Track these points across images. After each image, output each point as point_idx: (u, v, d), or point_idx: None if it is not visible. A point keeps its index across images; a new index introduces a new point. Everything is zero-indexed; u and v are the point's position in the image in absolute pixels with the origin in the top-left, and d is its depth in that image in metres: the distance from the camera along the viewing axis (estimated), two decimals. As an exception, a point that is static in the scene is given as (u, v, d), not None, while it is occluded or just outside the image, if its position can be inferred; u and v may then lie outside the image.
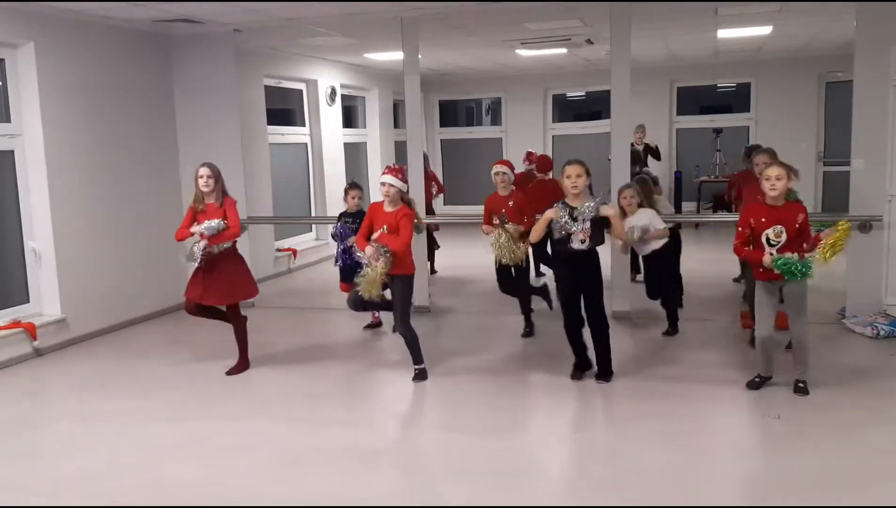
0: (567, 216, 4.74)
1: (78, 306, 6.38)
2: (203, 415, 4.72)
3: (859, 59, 6.03)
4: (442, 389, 5.14)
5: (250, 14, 6.81)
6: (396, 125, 12.38)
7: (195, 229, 5.17)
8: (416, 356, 5.26)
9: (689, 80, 12.61)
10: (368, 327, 6.59)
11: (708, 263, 8.11)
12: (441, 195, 9.65)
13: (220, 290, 5.27)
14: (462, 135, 14.06)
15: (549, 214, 4.79)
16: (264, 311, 7.48)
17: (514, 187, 6.08)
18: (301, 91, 10.34)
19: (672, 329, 6.15)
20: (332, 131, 10.75)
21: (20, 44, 6.00)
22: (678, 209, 10.63)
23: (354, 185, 6.51)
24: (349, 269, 6.04)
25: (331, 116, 10.72)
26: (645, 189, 6.23)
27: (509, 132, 13.53)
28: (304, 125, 10.42)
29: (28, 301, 6.26)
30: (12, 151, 6.10)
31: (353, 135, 11.69)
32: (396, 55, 7.30)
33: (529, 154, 8.58)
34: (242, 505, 3.51)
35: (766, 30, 8.91)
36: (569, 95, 13.67)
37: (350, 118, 11.81)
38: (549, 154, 13.25)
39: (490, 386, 5.08)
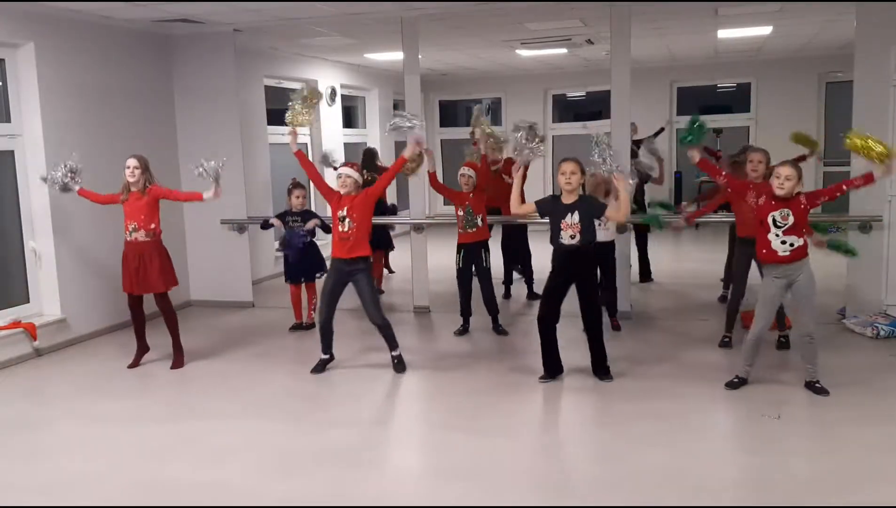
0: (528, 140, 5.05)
1: (78, 306, 6.39)
2: (202, 415, 4.72)
3: (859, 59, 6.03)
4: (439, 389, 5.14)
5: (250, 14, 6.81)
6: (396, 125, 12.36)
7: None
8: (393, 344, 5.40)
9: (689, 80, 12.60)
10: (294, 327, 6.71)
11: (707, 263, 8.11)
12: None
13: (150, 281, 5.48)
14: (462, 135, 14.04)
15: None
16: (264, 311, 7.49)
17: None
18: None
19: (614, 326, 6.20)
20: (332, 131, 10.75)
21: (20, 44, 6.00)
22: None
23: (298, 184, 6.63)
24: (300, 265, 6.44)
25: (331, 116, 10.72)
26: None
27: (509, 132, 13.50)
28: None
29: (28, 301, 6.26)
30: (12, 151, 6.10)
31: (353, 135, 11.69)
32: (396, 55, 7.30)
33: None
34: (241, 505, 3.51)
35: (766, 30, 8.92)
36: (569, 95, 13.67)
37: (350, 118, 11.81)
38: (550, 155, 13.27)
39: (487, 386, 5.08)
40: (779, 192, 4.55)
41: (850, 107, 6.10)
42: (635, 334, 6.24)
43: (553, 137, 13.44)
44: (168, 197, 5.56)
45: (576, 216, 4.81)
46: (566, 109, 13.70)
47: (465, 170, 6.30)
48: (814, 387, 4.73)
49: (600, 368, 5.08)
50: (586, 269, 4.95)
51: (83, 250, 6.50)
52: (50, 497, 3.63)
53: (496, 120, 13.98)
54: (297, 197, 6.55)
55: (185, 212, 7.72)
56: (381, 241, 7.95)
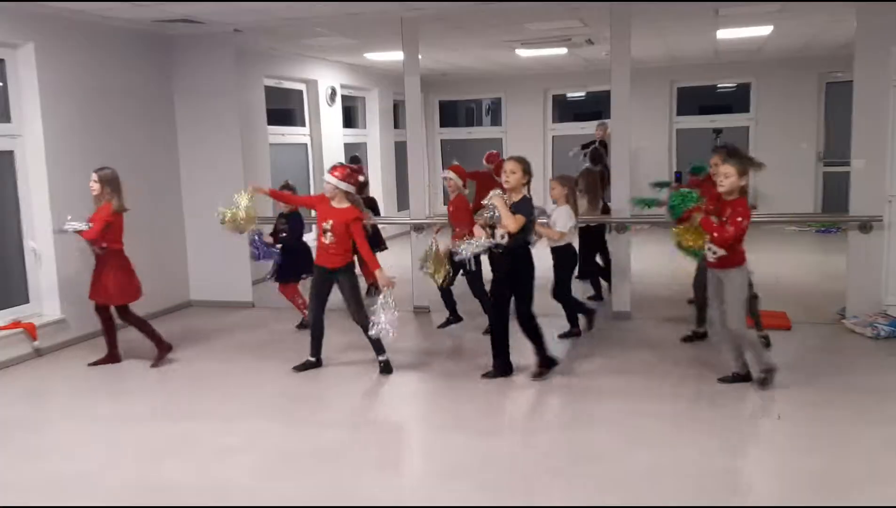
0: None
1: (78, 306, 6.37)
2: (201, 415, 4.72)
3: (859, 59, 6.03)
4: (437, 389, 5.15)
5: (250, 14, 6.81)
6: (396, 125, 12.37)
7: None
8: (380, 348, 5.36)
9: (689, 80, 12.60)
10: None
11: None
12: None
13: (108, 291, 5.51)
14: (462, 135, 14.06)
15: (493, 195, 4.93)
16: (263, 311, 7.49)
17: (464, 191, 6.34)
18: (301, 91, 10.33)
19: (574, 330, 6.12)
20: (332, 132, 10.75)
21: (20, 44, 6.00)
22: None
23: (285, 186, 6.60)
24: (291, 266, 6.47)
25: (331, 116, 10.72)
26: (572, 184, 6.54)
27: (509, 132, 13.52)
28: (304, 125, 10.42)
29: (28, 301, 6.26)
30: (12, 152, 6.10)
31: (353, 135, 11.69)
32: (396, 55, 7.30)
33: (489, 155, 8.71)
34: (241, 505, 3.51)
35: (766, 30, 8.91)
36: (569, 95, 13.67)
37: (350, 118, 11.81)
38: (550, 155, 13.29)
39: (483, 387, 5.07)
40: (720, 189, 4.63)
41: (850, 107, 6.10)
42: (634, 333, 6.24)
43: (553, 137, 13.46)
44: (96, 218, 5.44)
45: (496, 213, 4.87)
46: (566, 109, 13.70)
47: (445, 173, 6.39)
48: (757, 378, 4.76)
49: (538, 366, 5.12)
50: (515, 271, 4.96)
51: (83, 251, 6.48)
52: (50, 497, 3.63)
53: (496, 120, 14.00)
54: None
55: (186, 212, 7.72)
56: (372, 241, 7.86)
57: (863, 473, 3.66)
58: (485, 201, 4.95)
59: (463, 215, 6.11)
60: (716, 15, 7.75)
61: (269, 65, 9.25)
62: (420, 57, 7.17)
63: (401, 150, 8.83)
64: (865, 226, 6.09)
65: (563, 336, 6.03)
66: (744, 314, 4.69)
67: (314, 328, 5.45)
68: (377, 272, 5.12)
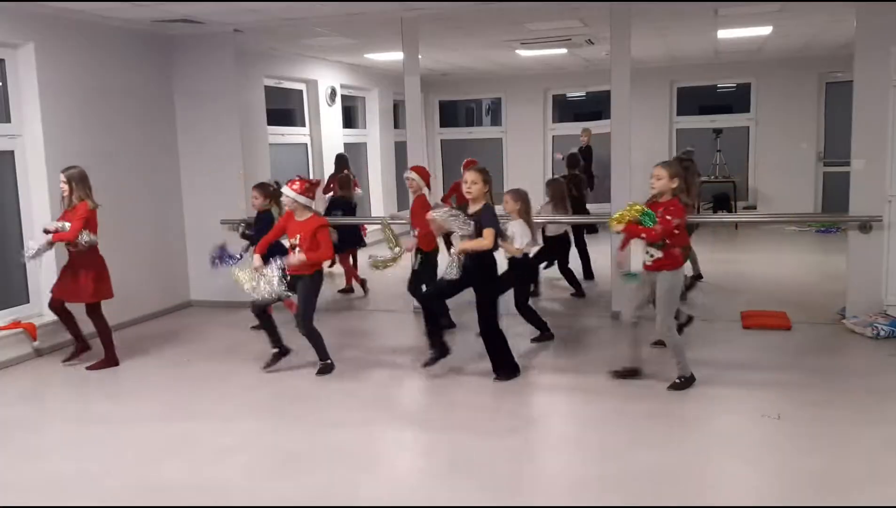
0: (456, 217, 4.93)
1: (78, 306, 6.36)
2: (201, 416, 4.72)
3: (859, 60, 6.02)
4: (436, 389, 5.14)
5: (251, 14, 6.81)
6: (396, 126, 12.37)
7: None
8: (322, 353, 5.41)
9: (689, 80, 12.61)
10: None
11: (707, 263, 8.10)
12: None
13: (87, 289, 5.52)
14: (462, 135, 14.06)
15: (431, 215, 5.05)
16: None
17: (426, 192, 6.29)
18: (301, 91, 10.34)
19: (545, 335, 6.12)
20: (332, 132, 10.75)
21: (20, 44, 6.00)
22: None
23: (256, 185, 6.64)
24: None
25: (331, 116, 10.72)
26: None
27: (509, 133, 13.52)
28: (304, 126, 10.42)
29: (28, 301, 6.26)
30: (12, 152, 6.10)
31: (353, 135, 11.69)
32: (396, 55, 7.30)
33: (468, 163, 8.80)
34: (240, 505, 3.51)
35: (766, 30, 8.92)
36: (569, 95, 13.67)
37: (350, 119, 11.81)
38: (550, 155, 13.28)
39: (485, 387, 5.07)
40: (652, 191, 4.80)
41: (850, 107, 6.09)
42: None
43: (553, 137, 13.47)
44: (74, 219, 5.43)
45: (471, 226, 4.92)
46: (566, 109, 13.70)
47: (406, 173, 6.37)
48: (673, 382, 4.84)
49: (495, 369, 5.17)
50: (474, 276, 4.99)
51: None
52: (49, 497, 3.63)
53: (496, 120, 14.00)
54: (254, 198, 6.56)
55: (186, 212, 7.72)
56: (350, 239, 7.83)
57: (863, 473, 3.65)
58: (434, 216, 5.06)
59: (424, 217, 6.09)
60: (716, 15, 7.75)
61: (269, 65, 9.25)
62: (420, 57, 7.18)
63: (401, 150, 8.84)
64: (865, 226, 6.08)
65: (535, 340, 6.06)
66: (672, 317, 4.89)
67: (262, 321, 5.48)
68: (297, 258, 5.15)
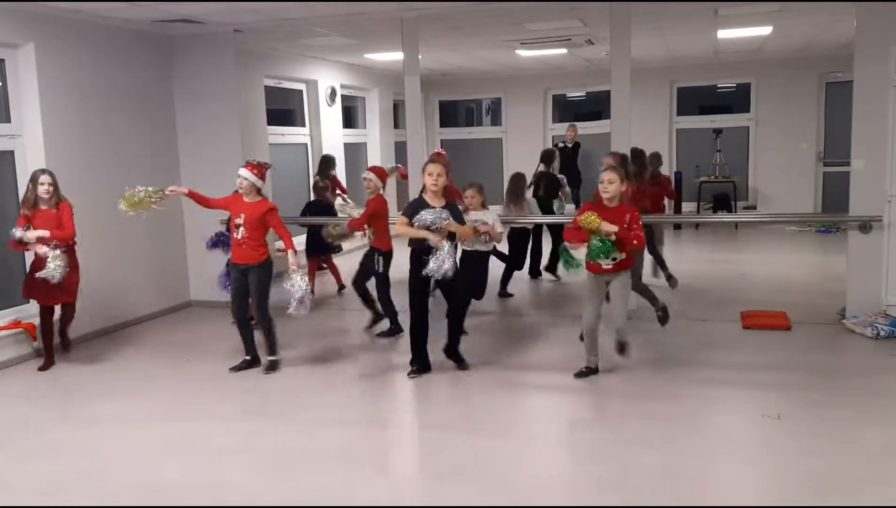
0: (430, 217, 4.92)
1: (78, 306, 6.37)
2: (201, 416, 4.72)
3: (859, 59, 6.02)
4: (436, 389, 5.14)
5: (250, 14, 6.81)
6: (396, 126, 12.37)
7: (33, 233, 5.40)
8: (272, 347, 5.45)
9: (689, 80, 12.61)
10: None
11: (707, 263, 8.12)
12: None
13: (71, 289, 5.58)
14: (462, 135, 14.06)
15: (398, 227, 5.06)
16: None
17: (382, 192, 6.30)
18: (301, 91, 10.33)
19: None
20: (332, 132, 10.74)
21: (20, 44, 6.00)
22: (678, 210, 10.62)
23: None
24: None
25: (331, 116, 10.71)
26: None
27: (509, 133, 13.52)
28: (304, 126, 10.42)
29: (28, 302, 6.24)
30: (12, 152, 6.10)
31: (353, 135, 11.68)
32: (396, 55, 7.30)
33: (436, 154, 8.82)
34: (239, 505, 3.51)
35: (766, 30, 8.92)
36: (569, 95, 13.67)
37: (350, 119, 11.81)
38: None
39: (485, 386, 5.07)
40: (604, 194, 4.80)
41: (850, 107, 6.09)
42: (633, 334, 6.22)
43: (553, 137, 13.46)
44: (66, 218, 5.52)
45: (441, 223, 4.92)
46: (566, 109, 13.70)
47: (364, 174, 6.41)
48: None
49: (453, 353, 5.28)
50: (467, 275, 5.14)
51: (83, 251, 6.47)
52: (49, 497, 3.64)
53: (496, 120, 14.00)
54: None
55: (186, 212, 7.71)
56: (319, 245, 7.71)
57: (863, 473, 3.65)
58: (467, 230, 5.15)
59: (380, 216, 6.15)
60: (716, 15, 7.75)
61: (269, 65, 9.25)
62: (420, 57, 7.17)
63: (401, 150, 8.83)
64: (865, 226, 6.08)
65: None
66: (626, 312, 5.07)
67: (241, 327, 5.50)
68: (290, 254, 5.19)
